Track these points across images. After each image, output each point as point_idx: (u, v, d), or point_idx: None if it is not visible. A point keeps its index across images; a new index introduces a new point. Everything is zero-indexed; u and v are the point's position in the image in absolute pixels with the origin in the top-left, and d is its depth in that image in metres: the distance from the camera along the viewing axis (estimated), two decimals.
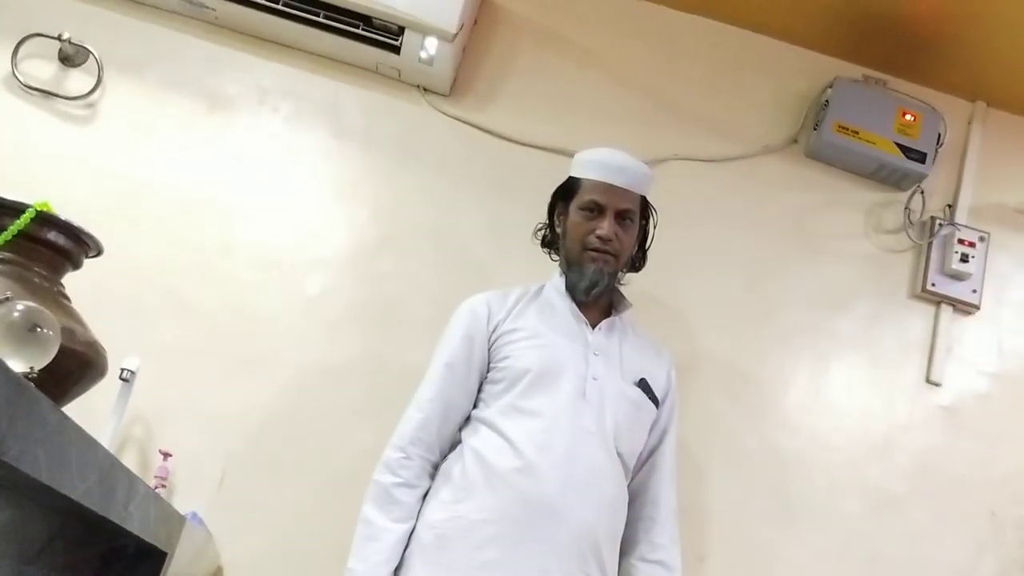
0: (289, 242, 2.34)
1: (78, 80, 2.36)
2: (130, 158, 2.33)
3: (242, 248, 2.32)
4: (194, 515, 2.01)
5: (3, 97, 2.33)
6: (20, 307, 0.72)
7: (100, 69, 2.35)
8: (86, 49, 2.36)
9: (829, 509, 2.35)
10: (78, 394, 0.92)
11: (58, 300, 0.90)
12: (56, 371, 0.85)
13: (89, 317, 1.01)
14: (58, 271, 0.92)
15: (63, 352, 0.87)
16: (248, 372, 2.22)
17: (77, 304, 0.98)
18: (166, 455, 2.09)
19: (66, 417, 0.63)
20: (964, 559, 2.36)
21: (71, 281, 1.00)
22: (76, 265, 0.95)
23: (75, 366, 0.87)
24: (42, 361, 0.73)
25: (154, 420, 2.15)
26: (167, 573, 1.05)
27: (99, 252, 0.96)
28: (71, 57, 2.36)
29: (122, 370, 2.01)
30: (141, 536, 0.84)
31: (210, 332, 2.24)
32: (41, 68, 2.36)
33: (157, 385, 2.12)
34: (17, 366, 0.70)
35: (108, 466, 0.70)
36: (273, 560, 2.10)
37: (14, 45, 2.32)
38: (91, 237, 0.94)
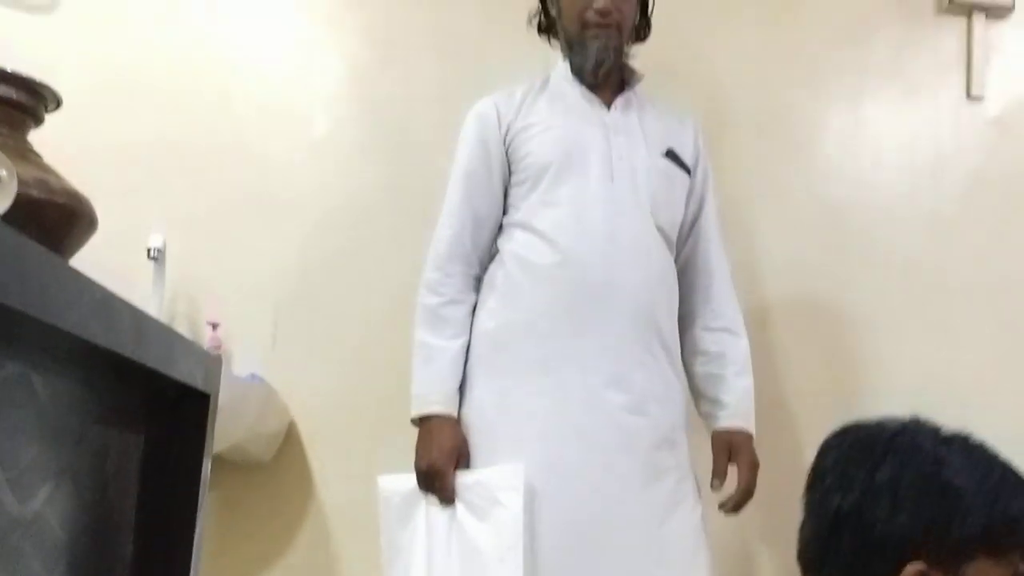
0: (286, 84, 2.27)
1: None
2: (103, 35, 2.24)
3: (241, 101, 2.25)
4: (254, 375, 2.03)
5: None
6: None
7: None
8: None
9: (885, 245, 2.29)
10: (72, 249, 0.88)
11: (24, 154, 0.85)
12: (39, 224, 0.81)
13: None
14: (18, 127, 0.86)
15: (41, 203, 0.82)
16: (274, 226, 2.19)
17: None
18: (215, 325, 2.09)
19: (45, 251, 0.59)
20: None
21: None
22: (37, 119, 0.89)
23: (58, 216, 0.83)
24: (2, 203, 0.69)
25: (196, 294, 2.15)
26: (217, 421, 1.04)
27: (58, 103, 0.90)
28: None
29: (149, 249, 1.99)
30: (165, 372, 0.82)
31: (227, 195, 2.20)
32: None
33: (190, 259, 2.12)
34: None
35: (104, 298, 0.66)
36: (340, 402, 2.12)
37: None
38: (44, 86, 0.88)
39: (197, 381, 0.93)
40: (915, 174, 2.32)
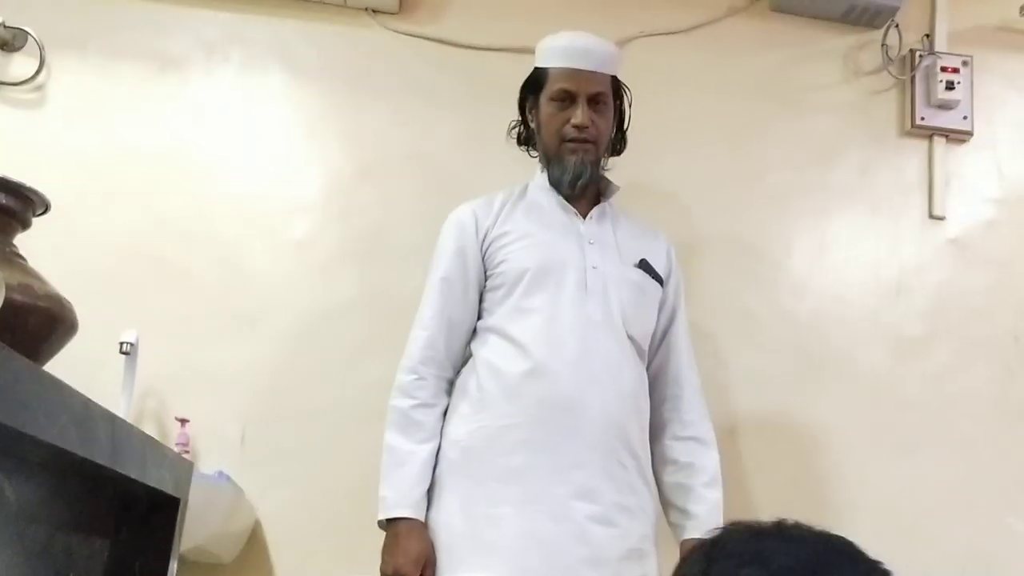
0: (265, 191, 2.29)
1: (20, 65, 2.29)
2: (88, 135, 2.27)
3: (219, 206, 2.27)
4: (221, 474, 2.01)
5: None
6: None
7: (41, 50, 2.28)
8: (24, 31, 2.28)
9: (851, 362, 2.33)
10: (52, 352, 0.89)
11: (10, 259, 0.86)
12: (22, 329, 0.83)
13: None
14: (5, 231, 0.88)
15: (25, 309, 0.84)
16: (249, 328, 2.20)
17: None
18: (183, 421, 2.07)
19: (27, 361, 0.60)
20: (993, 388, 2.36)
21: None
22: (24, 224, 0.91)
23: (40, 320, 0.84)
24: None
25: (166, 390, 2.14)
26: (185, 521, 1.03)
27: (46, 208, 0.93)
28: (9, 42, 2.29)
29: (121, 344, 1.99)
30: (138, 479, 0.82)
31: (203, 295, 2.21)
32: None
33: (162, 355, 2.11)
34: None
35: (82, 407, 0.67)
36: (307, 505, 2.10)
37: None
38: (34, 192, 0.90)
39: (168, 486, 0.93)
40: (879, 292, 2.38)
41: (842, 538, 0.91)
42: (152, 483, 0.88)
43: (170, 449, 0.99)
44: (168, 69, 2.34)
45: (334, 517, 2.08)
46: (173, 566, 0.98)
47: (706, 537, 0.94)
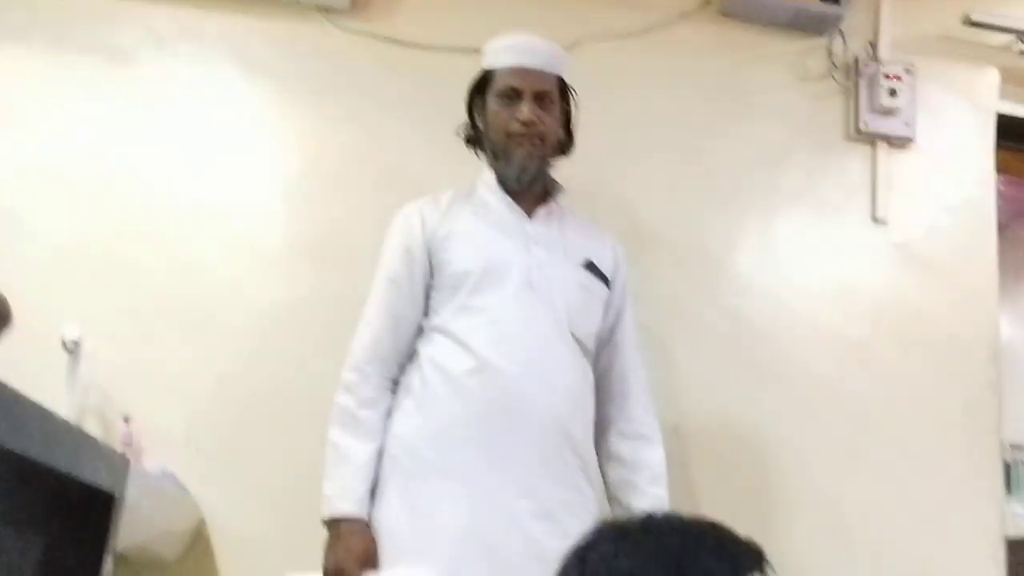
0: (215, 189, 2.27)
1: None
2: (33, 129, 2.24)
3: (169, 204, 2.24)
4: (165, 472, 2.00)
5: None
6: None
7: None
8: None
9: (794, 363, 2.37)
10: None
11: None
12: None
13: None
14: None
15: None
16: (197, 326, 2.18)
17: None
18: (128, 419, 2.05)
19: None
20: (934, 388, 2.41)
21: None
22: None
23: None
24: None
25: (111, 387, 2.11)
26: (127, 519, 1.03)
27: None
28: None
29: (64, 341, 1.97)
30: (71, 474, 0.82)
31: (151, 292, 2.18)
32: None
33: (108, 353, 2.08)
34: None
35: (12, 401, 0.67)
36: (252, 504, 2.09)
37: None
38: None
39: (103, 482, 0.93)
40: (823, 294, 2.43)
41: (714, 524, 0.94)
42: (87, 478, 0.88)
43: (106, 445, 0.99)
44: (116, 64, 2.31)
45: (280, 516, 2.07)
46: (108, 562, 0.97)
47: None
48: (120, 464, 0.98)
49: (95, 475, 0.91)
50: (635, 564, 0.90)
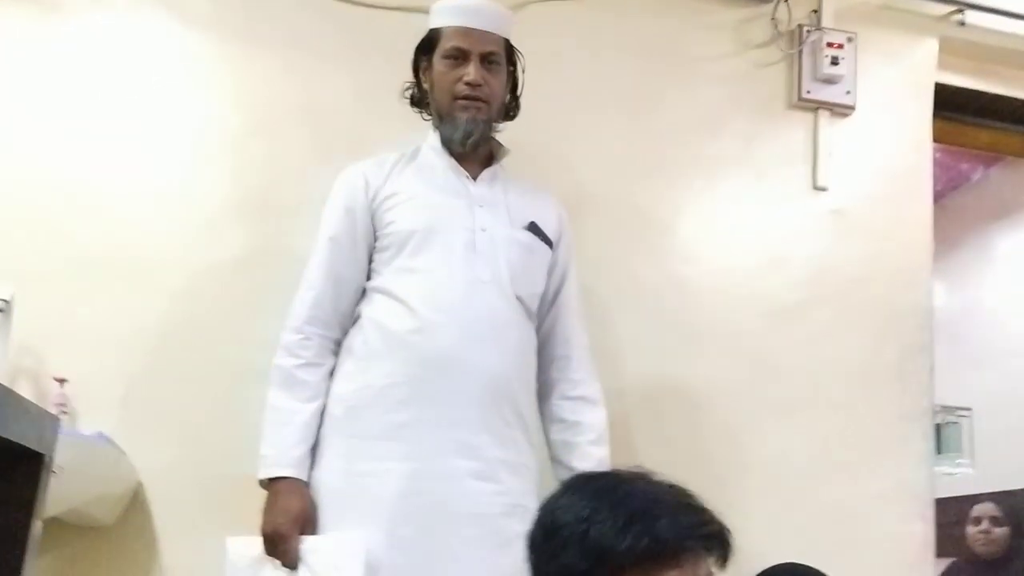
0: (148, 142, 2.20)
1: None
2: None
3: (103, 160, 2.18)
4: (100, 435, 1.96)
5: None
6: None
7: None
8: None
9: (731, 328, 2.39)
10: None
11: None
12: None
13: None
14: None
15: None
16: (131, 285, 2.13)
17: None
18: (62, 381, 2.01)
19: None
20: (865, 353, 2.46)
21: None
22: None
23: None
24: None
25: (44, 349, 2.06)
26: (61, 483, 1.01)
27: None
28: None
29: None
30: None
31: (84, 252, 2.12)
32: None
33: (38, 313, 2.02)
34: None
35: None
36: (190, 466, 2.06)
37: None
38: None
39: (31, 442, 0.91)
40: (762, 260, 2.45)
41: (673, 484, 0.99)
42: (12, 437, 0.86)
43: (34, 405, 0.96)
44: (48, 11, 2.23)
45: (218, 478, 2.04)
46: (37, 524, 0.95)
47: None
48: (49, 424, 0.96)
49: (23, 435, 0.89)
50: (565, 513, 0.93)
